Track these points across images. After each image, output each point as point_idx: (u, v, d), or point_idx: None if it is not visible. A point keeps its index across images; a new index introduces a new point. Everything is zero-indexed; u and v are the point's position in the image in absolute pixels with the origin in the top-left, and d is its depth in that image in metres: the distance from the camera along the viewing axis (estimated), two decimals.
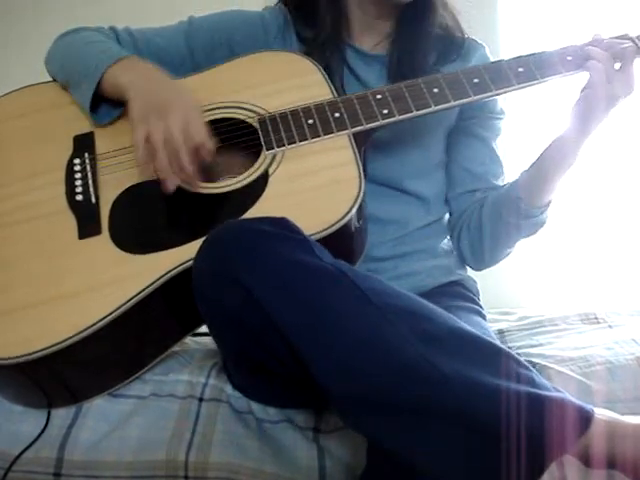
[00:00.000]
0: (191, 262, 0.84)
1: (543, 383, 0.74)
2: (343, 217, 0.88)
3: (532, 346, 1.14)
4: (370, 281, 0.76)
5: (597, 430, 0.72)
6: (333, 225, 0.87)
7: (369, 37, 1.14)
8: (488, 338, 0.76)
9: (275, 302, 0.74)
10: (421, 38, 1.10)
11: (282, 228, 0.79)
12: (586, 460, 0.74)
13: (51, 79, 1.11)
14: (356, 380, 0.71)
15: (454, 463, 0.70)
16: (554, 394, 0.73)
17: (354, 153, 0.94)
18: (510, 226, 1.08)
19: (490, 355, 0.74)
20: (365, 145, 0.98)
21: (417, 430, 0.70)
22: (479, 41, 1.18)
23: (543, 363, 1.01)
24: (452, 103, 0.97)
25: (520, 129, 1.51)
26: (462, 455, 0.70)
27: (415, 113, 0.97)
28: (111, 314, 0.85)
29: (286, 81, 1.04)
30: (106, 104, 1.02)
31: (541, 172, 1.04)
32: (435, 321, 0.74)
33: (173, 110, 0.92)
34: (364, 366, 0.71)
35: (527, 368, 0.75)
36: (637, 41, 0.97)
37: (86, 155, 1.00)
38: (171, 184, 0.91)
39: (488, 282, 1.26)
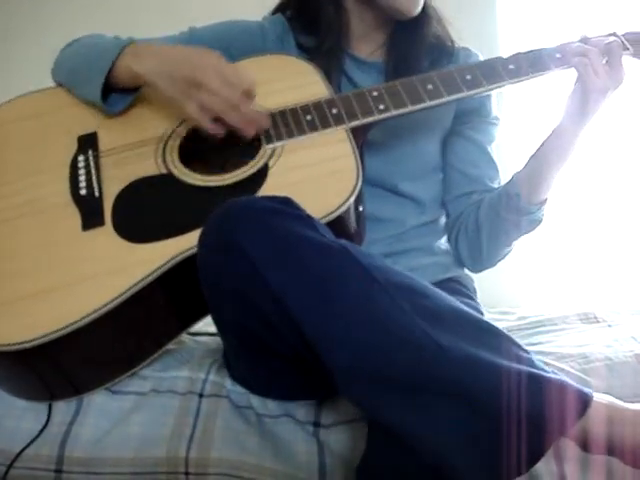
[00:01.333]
0: (193, 250, 0.86)
1: (542, 365, 0.75)
2: (341, 205, 0.89)
3: (531, 344, 1.14)
4: (372, 258, 0.77)
5: (596, 413, 0.73)
6: (331, 213, 0.88)
7: (365, 45, 1.17)
8: (487, 320, 0.77)
9: (278, 275, 0.75)
10: (415, 45, 1.14)
11: (286, 205, 0.81)
12: (585, 444, 0.74)
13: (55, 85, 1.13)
14: (358, 354, 0.72)
15: (454, 441, 0.70)
16: (553, 376, 0.73)
17: (352, 146, 0.96)
18: (508, 223, 1.09)
19: (490, 335, 0.74)
20: (362, 140, 1.00)
21: (417, 406, 0.71)
22: (473, 50, 1.21)
23: (542, 359, 1.01)
24: (446, 98, 1.00)
25: (514, 135, 1.53)
26: (462, 433, 0.70)
27: (410, 108, 0.99)
28: (112, 302, 0.86)
29: (284, 82, 1.06)
30: (116, 94, 1.04)
31: (538, 167, 1.06)
32: (437, 300, 0.75)
33: (201, 72, 0.94)
34: (366, 341, 0.71)
35: (526, 351, 0.76)
36: (621, 37, 1.01)
37: (90, 152, 1.03)
38: (249, 130, 0.97)
39: (487, 282, 1.27)
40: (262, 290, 0.76)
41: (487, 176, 1.19)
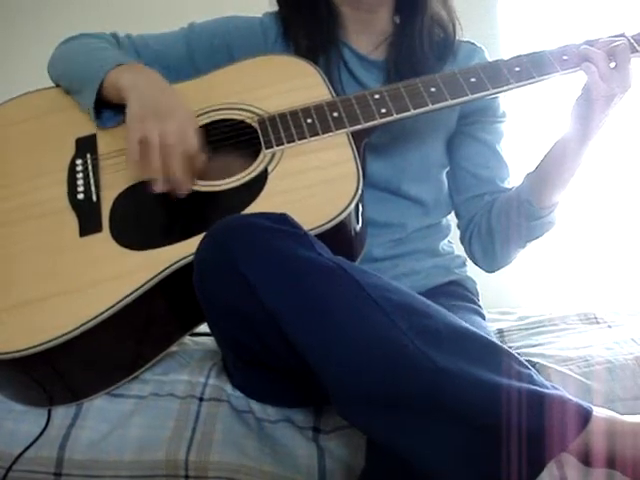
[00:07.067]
0: (191, 257, 0.85)
1: (542, 381, 0.75)
2: (342, 212, 0.88)
3: (532, 346, 1.14)
4: (369, 277, 0.77)
5: (596, 428, 0.73)
6: (332, 220, 0.88)
7: (366, 39, 1.14)
8: (487, 336, 0.76)
9: (273, 294, 0.75)
10: (415, 37, 1.10)
11: (282, 224, 0.80)
12: (586, 459, 0.74)
13: (53, 84, 1.12)
14: (354, 375, 0.71)
15: (453, 460, 0.70)
16: (553, 392, 0.73)
17: (352, 151, 0.95)
18: (520, 228, 1.08)
19: (489, 352, 0.74)
20: (364, 143, 0.99)
21: (417, 427, 0.70)
22: (478, 45, 1.18)
23: (543, 363, 1.01)
24: (449, 102, 0.98)
25: (523, 131, 1.51)
26: (461, 452, 0.70)
27: (413, 112, 0.98)
28: (110, 309, 0.86)
29: (285, 83, 1.05)
30: (109, 108, 1.04)
31: (548, 171, 1.04)
32: (434, 317, 0.75)
33: (170, 116, 0.93)
34: (361, 361, 0.71)
35: (526, 367, 0.76)
36: (630, 39, 0.97)
37: (88, 156, 1.02)
38: (159, 186, 0.93)
39: (488, 282, 1.26)
40: (257, 309, 0.76)
41: (498, 177, 1.17)
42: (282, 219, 0.81)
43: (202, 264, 0.82)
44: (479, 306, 1.16)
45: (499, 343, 0.77)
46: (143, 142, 0.91)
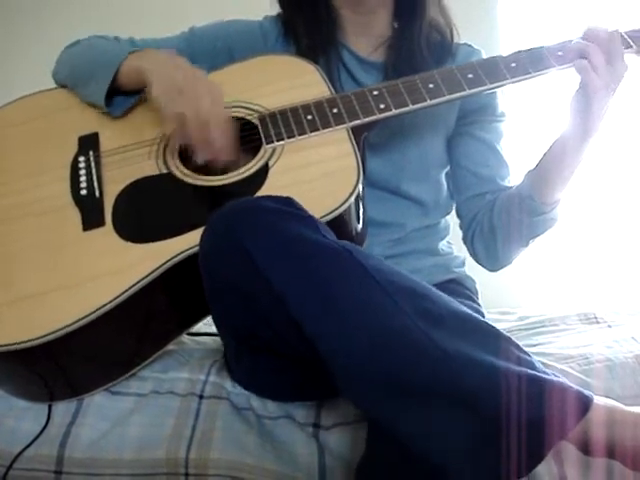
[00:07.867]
0: (192, 250, 0.86)
1: (542, 368, 0.75)
2: (342, 204, 0.89)
3: (532, 345, 1.14)
4: (374, 260, 0.77)
5: (596, 415, 0.72)
6: (333, 212, 0.88)
7: (365, 41, 1.16)
8: (488, 322, 0.77)
9: (279, 275, 0.75)
10: (414, 40, 1.11)
11: (288, 206, 0.80)
12: (585, 447, 0.74)
13: (55, 85, 1.13)
14: (358, 356, 0.71)
15: (454, 443, 0.70)
16: (554, 379, 0.73)
17: (352, 145, 0.95)
18: (522, 224, 1.08)
19: (490, 337, 0.74)
20: (363, 138, 1.00)
21: (417, 408, 0.70)
22: (476, 47, 1.20)
23: (543, 360, 1.01)
24: (447, 97, 0.99)
25: (522, 129, 1.52)
26: (462, 435, 0.69)
27: (411, 107, 0.99)
28: (113, 301, 0.87)
29: (285, 81, 1.06)
30: (119, 97, 1.05)
31: (549, 168, 1.04)
32: (437, 302, 0.75)
33: (194, 83, 0.96)
34: (366, 343, 0.71)
35: (527, 353, 0.75)
36: (624, 35, 0.99)
37: (90, 153, 1.03)
38: (205, 153, 0.96)
39: (488, 282, 1.26)
40: (263, 291, 0.76)
41: (499, 175, 1.18)
42: (287, 202, 0.81)
43: (207, 247, 0.82)
44: (478, 304, 1.16)
45: (499, 329, 0.77)
46: (180, 119, 0.94)
